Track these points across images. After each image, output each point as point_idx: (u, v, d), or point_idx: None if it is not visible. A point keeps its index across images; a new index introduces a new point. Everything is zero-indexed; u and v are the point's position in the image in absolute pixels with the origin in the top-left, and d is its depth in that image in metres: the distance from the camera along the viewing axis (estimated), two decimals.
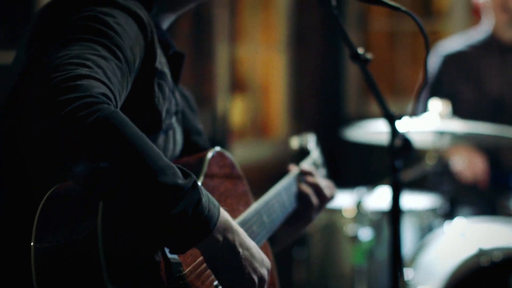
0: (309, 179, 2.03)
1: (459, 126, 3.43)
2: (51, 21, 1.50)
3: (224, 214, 1.42)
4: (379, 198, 3.47)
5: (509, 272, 3.07)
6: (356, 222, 3.49)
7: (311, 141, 2.21)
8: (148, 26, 1.55)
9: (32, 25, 1.56)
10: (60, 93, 1.27)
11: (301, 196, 2.01)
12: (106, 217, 1.32)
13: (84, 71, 1.32)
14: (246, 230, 1.53)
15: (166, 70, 1.67)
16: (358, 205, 3.48)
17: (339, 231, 3.66)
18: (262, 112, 6.14)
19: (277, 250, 2.01)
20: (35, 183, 1.44)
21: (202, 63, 5.03)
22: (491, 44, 4.04)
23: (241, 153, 5.21)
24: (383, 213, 3.57)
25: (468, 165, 3.88)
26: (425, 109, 3.62)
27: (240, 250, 1.43)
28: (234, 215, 1.54)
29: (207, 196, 1.38)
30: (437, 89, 3.98)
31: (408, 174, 3.43)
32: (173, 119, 1.73)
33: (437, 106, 3.45)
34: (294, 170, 2.03)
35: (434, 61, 4.07)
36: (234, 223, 1.44)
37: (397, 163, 2.14)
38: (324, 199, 2.03)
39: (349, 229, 3.52)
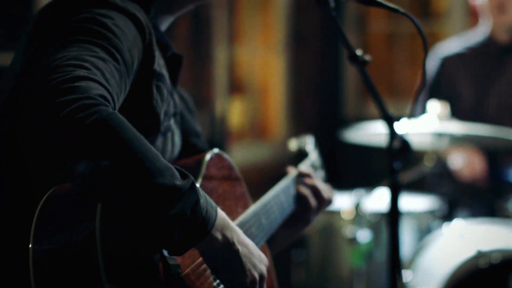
0: (308, 181, 2.03)
1: (458, 127, 3.43)
2: (49, 22, 1.50)
3: (222, 214, 1.43)
4: (378, 199, 3.47)
5: (507, 274, 3.07)
6: (355, 224, 3.49)
7: (309, 143, 2.21)
8: (146, 28, 1.55)
9: (30, 26, 1.56)
10: (59, 94, 1.27)
11: (299, 198, 2.01)
12: (104, 219, 1.32)
13: (82, 72, 1.32)
14: (245, 232, 1.53)
15: (165, 72, 1.67)
16: (357, 207, 3.48)
17: (338, 233, 3.66)
18: (261, 114, 6.14)
19: (275, 252, 2.01)
20: (35, 183, 1.44)
21: (200, 65, 5.03)
22: (488, 46, 4.04)
23: (240, 155, 5.21)
24: (382, 215, 3.57)
25: (466, 164, 3.89)
26: (423, 111, 3.62)
27: (239, 247, 1.44)
28: (232, 217, 1.54)
29: (204, 197, 1.38)
30: (436, 91, 3.99)
31: (406, 176, 3.43)
32: (172, 121, 1.73)
33: (435, 107, 3.45)
34: (292, 172, 2.03)
35: (432, 64, 4.08)
36: (232, 222, 1.45)
37: (396, 165, 2.14)
38: (322, 201, 2.03)
39: (347, 231, 3.52)
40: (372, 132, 3.62)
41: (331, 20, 1.93)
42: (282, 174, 2.02)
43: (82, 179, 1.28)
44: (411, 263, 3.32)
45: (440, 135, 3.46)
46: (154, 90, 1.59)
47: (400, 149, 2.13)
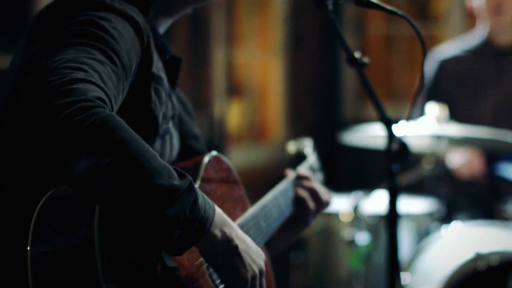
0: (306, 183, 2.03)
1: (456, 130, 3.43)
2: (48, 23, 1.50)
3: (219, 212, 1.44)
4: (376, 202, 3.47)
5: (506, 276, 3.07)
6: (353, 226, 3.49)
7: (308, 146, 2.21)
8: (144, 31, 1.55)
9: (29, 28, 1.56)
10: (57, 97, 1.28)
11: (298, 201, 2.01)
12: (102, 220, 1.32)
13: (80, 74, 1.33)
14: None
15: (163, 74, 1.67)
16: (355, 209, 3.48)
17: (336, 235, 3.66)
18: (259, 117, 6.14)
19: (273, 254, 2.01)
20: (35, 183, 1.44)
21: (199, 68, 5.03)
22: (486, 48, 4.04)
23: (238, 158, 5.21)
24: (380, 217, 3.57)
25: (465, 162, 3.89)
26: (422, 113, 3.62)
27: (238, 243, 1.45)
28: (231, 219, 1.55)
29: (202, 196, 1.39)
30: (434, 94, 3.99)
31: (405, 178, 3.43)
32: (170, 124, 1.73)
33: (434, 110, 3.45)
34: (291, 174, 2.03)
35: (430, 67, 4.08)
36: (229, 219, 1.46)
37: (394, 167, 2.14)
38: (320, 203, 2.03)
39: (346, 233, 3.52)
40: (370, 135, 3.62)
41: (329, 22, 1.94)
42: (280, 177, 2.02)
43: (80, 181, 1.29)
44: (409, 266, 3.32)
45: (438, 138, 3.46)
46: (152, 93, 1.59)
47: (398, 151, 2.13)
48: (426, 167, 3.54)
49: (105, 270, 1.29)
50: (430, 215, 3.69)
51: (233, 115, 5.78)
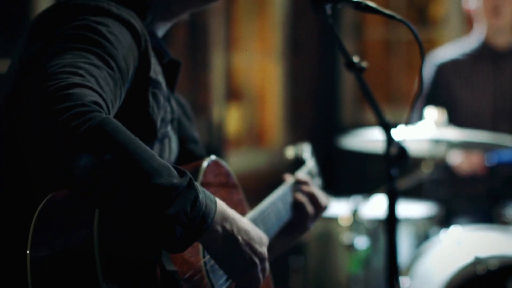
0: (305, 188, 2.03)
1: (455, 134, 3.43)
2: (47, 26, 1.50)
3: (220, 206, 1.44)
4: (375, 206, 3.47)
5: (505, 280, 3.06)
6: (352, 231, 3.49)
7: (306, 151, 2.21)
8: (142, 35, 1.55)
9: (27, 30, 1.57)
10: (54, 102, 1.28)
11: (296, 205, 2.01)
12: (102, 222, 1.32)
13: (76, 79, 1.33)
14: None
15: (161, 78, 1.67)
16: (354, 213, 3.48)
17: (335, 239, 3.66)
18: (258, 121, 6.14)
19: (272, 258, 2.00)
20: (35, 183, 1.44)
21: (197, 72, 5.03)
22: (484, 51, 4.05)
23: (237, 162, 5.21)
24: (379, 222, 3.57)
25: (465, 158, 3.89)
26: (420, 118, 3.62)
27: (239, 237, 1.46)
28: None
29: (203, 192, 1.40)
30: (432, 98, 4.00)
31: (404, 182, 3.43)
32: (169, 128, 1.73)
33: (432, 114, 3.45)
34: (289, 179, 2.03)
35: (427, 70, 4.08)
36: (230, 211, 1.47)
37: (393, 171, 2.14)
38: (319, 208, 2.03)
39: (345, 237, 3.52)
40: (369, 139, 3.62)
41: (328, 27, 1.93)
42: (279, 181, 2.02)
43: (80, 184, 1.29)
44: (408, 270, 3.32)
45: (437, 142, 3.46)
46: (150, 98, 1.59)
47: (397, 155, 2.13)
48: (425, 171, 3.54)
49: (105, 272, 1.30)
50: (429, 220, 3.69)
51: (232, 119, 5.78)
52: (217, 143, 4.77)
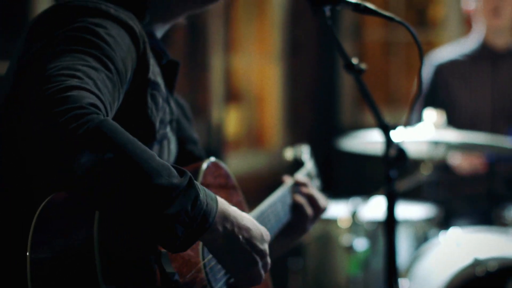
0: (304, 189, 2.03)
1: (454, 136, 3.43)
2: (44, 30, 1.50)
3: (221, 204, 1.44)
4: (374, 208, 3.47)
5: (504, 282, 3.06)
6: (351, 232, 3.49)
7: (305, 153, 2.21)
8: (140, 37, 1.55)
9: (26, 31, 1.57)
10: (52, 105, 1.28)
11: (295, 207, 2.01)
12: (102, 224, 1.32)
13: (74, 82, 1.33)
14: None
15: (160, 79, 1.67)
16: (353, 215, 3.48)
17: (335, 241, 3.65)
18: (257, 123, 6.14)
19: (271, 260, 2.00)
20: (35, 183, 1.44)
21: (196, 74, 5.03)
22: (483, 51, 4.05)
23: (236, 164, 5.21)
24: (378, 223, 3.57)
25: (465, 157, 3.89)
26: (419, 119, 3.62)
27: (240, 236, 1.46)
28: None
29: (204, 191, 1.40)
30: (431, 99, 4.00)
31: (403, 184, 3.43)
32: (168, 129, 1.73)
33: (431, 116, 3.45)
34: (288, 181, 2.03)
35: (427, 71, 4.08)
36: (231, 210, 1.47)
37: (392, 173, 2.14)
38: (318, 209, 2.03)
39: (344, 239, 3.52)
40: (368, 141, 3.62)
41: (327, 28, 1.93)
42: (278, 183, 2.02)
43: (79, 186, 1.29)
44: (408, 272, 3.31)
45: (436, 143, 3.46)
46: (149, 99, 1.59)
47: (396, 157, 2.13)
48: (424, 173, 3.54)
49: (105, 273, 1.30)
50: (428, 221, 3.69)
51: (231, 121, 5.78)
52: (216, 145, 4.77)
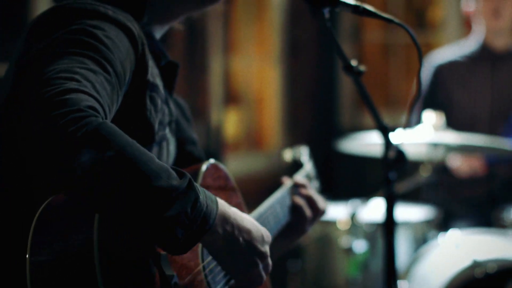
0: (303, 191, 2.03)
1: (453, 137, 3.43)
2: (42, 32, 1.50)
3: (221, 205, 1.44)
4: (373, 210, 3.47)
5: (503, 283, 3.06)
6: (351, 234, 3.49)
7: (304, 154, 2.21)
8: (138, 38, 1.55)
9: (25, 32, 1.57)
10: (50, 108, 1.28)
11: (294, 208, 2.01)
12: (102, 226, 1.32)
13: (72, 85, 1.33)
14: None
15: (159, 81, 1.67)
16: (352, 217, 3.48)
17: (334, 243, 3.65)
18: (256, 124, 6.14)
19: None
20: (35, 183, 1.44)
21: (196, 75, 5.03)
22: (482, 53, 4.05)
23: (235, 165, 5.21)
24: (378, 225, 3.57)
25: (464, 160, 3.89)
26: (419, 121, 3.62)
27: (240, 238, 1.46)
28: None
29: (203, 193, 1.39)
30: (430, 100, 4.00)
31: (402, 186, 3.43)
32: (167, 130, 1.73)
33: (430, 118, 3.45)
34: (287, 182, 2.03)
35: (426, 72, 4.08)
36: (231, 211, 1.47)
37: (391, 175, 2.14)
38: (317, 211, 2.03)
39: (343, 241, 3.52)
40: (367, 142, 3.62)
41: (326, 30, 1.94)
42: (277, 185, 2.02)
43: (78, 188, 1.29)
44: (407, 273, 3.31)
45: (435, 145, 3.47)
46: (148, 101, 1.59)
47: (395, 159, 2.13)
48: (423, 175, 3.54)
49: (104, 275, 1.29)
50: (427, 223, 3.69)
51: (230, 123, 5.78)
52: (216, 147, 4.78)
